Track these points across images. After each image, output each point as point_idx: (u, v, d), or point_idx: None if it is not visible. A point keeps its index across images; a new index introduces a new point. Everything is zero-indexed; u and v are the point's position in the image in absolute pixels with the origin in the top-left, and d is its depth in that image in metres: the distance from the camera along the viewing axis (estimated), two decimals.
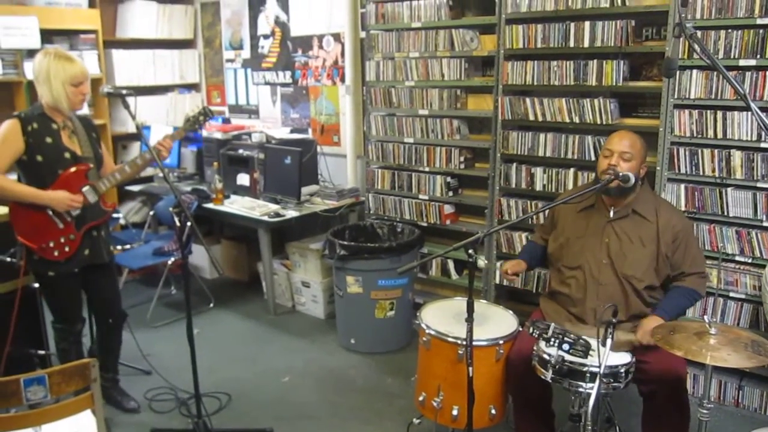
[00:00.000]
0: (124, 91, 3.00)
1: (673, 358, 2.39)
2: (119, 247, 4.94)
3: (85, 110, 3.33)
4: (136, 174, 3.25)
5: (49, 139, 2.98)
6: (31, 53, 4.82)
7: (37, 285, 3.38)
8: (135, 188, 5.37)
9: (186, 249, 4.82)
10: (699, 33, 3.14)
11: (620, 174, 2.67)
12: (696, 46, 1.83)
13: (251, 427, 3.30)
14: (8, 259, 3.26)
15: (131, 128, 5.43)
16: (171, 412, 3.47)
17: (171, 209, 3.09)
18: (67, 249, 3.05)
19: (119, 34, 5.71)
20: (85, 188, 3.06)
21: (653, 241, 2.78)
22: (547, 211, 3.27)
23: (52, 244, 3.02)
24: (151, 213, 5.33)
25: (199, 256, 5.43)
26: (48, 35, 4.93)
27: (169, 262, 4.72)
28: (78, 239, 3.08)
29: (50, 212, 3.01)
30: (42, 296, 3.28)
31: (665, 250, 2.77)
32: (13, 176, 3.09)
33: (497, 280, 4.09)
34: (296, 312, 4.89)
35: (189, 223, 2.93)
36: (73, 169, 3.03)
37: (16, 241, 3.08)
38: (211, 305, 4.97)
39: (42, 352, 3.50)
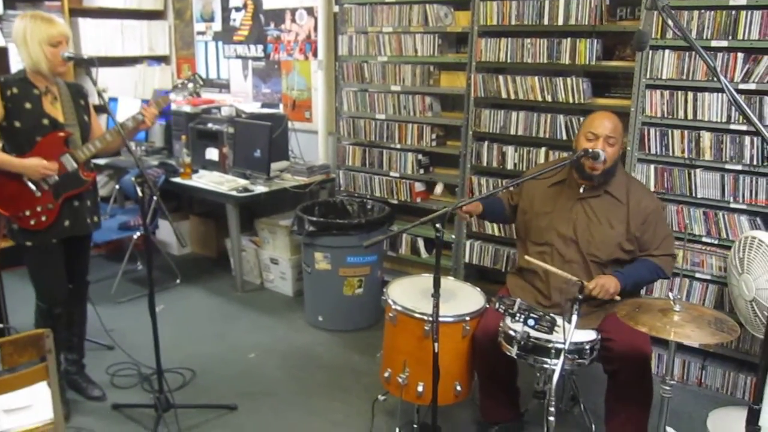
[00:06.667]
0: (85, 56, 2.91)
1: (638, 335, 2.40)
2: None
3: None
4: (119, 144, 3.07)
5: (28, 105, 2.89)
6: None
7: None
8: (101, 161, 5.22)
9: (152, 223, 4.76)
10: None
11: (589, 151, 2.65)
12: (669, 20, 1.81)
13: (215, 403, 3.26)
14: None
15: (95, 99, 5.28)
16: (133, 387, 3.42)
17: (133, 179, 3.00)
18: (44, 218, 2.96)
19: (86, 2, 5.53)
20: (64, 156, 2.96)
21: (623, 222, 2.75)
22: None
23: (28, 213, 2.93)
24: (117, 187, 5.22)
25: (167, 231, 5.34)
26: (11, 1, 4.78)
27: (135, 237, 4.63)
28: (56, 209, 2.99)
29: (27, 180, 2.91)
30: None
31: (634, 231, 2.75)
32: None
33: (467, 259, 4.08)
34: (264, 289, 4.84)
35: (155, 197, 2.86)
36: (52, 136, 2.93)
37: None
38: (178, 281, 4.90)
39: (1, 325, 3.42)
